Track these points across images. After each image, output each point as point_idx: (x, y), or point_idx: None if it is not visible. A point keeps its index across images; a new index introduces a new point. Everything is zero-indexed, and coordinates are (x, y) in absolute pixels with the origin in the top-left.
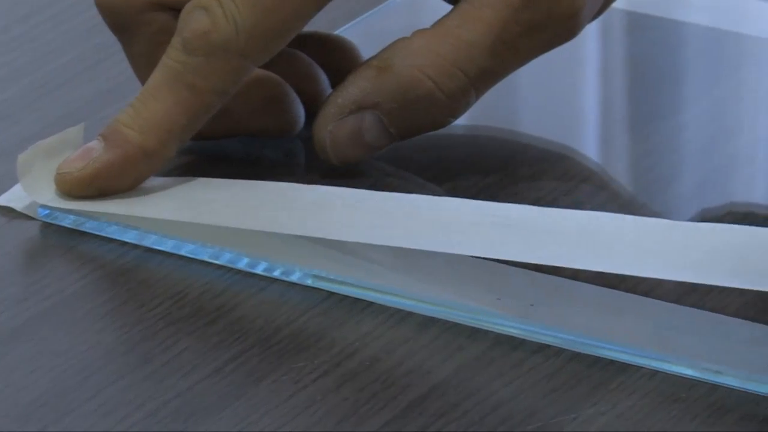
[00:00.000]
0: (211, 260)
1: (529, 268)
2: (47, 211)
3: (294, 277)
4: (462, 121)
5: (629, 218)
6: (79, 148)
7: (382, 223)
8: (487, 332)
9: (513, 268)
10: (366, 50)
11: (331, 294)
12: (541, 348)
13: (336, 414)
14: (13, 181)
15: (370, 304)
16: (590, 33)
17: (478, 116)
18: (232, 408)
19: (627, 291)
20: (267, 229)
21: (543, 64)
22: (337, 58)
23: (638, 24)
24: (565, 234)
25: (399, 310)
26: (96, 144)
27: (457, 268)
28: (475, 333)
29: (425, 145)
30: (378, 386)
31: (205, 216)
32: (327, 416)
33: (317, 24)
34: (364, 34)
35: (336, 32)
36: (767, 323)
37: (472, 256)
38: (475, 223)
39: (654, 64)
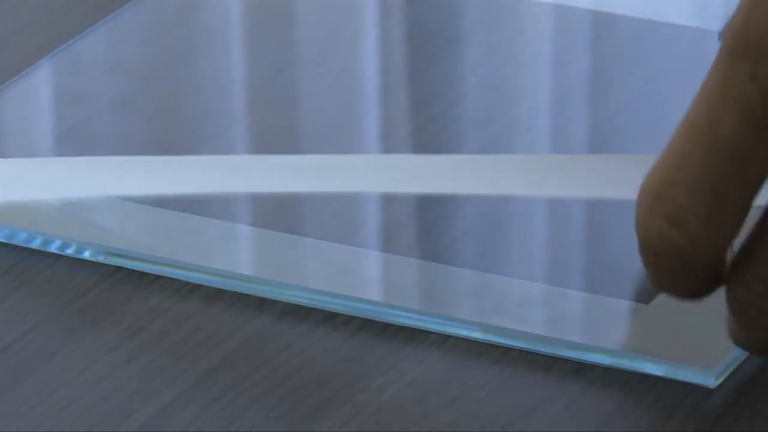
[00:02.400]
0: (5, 241)
1: (318, 239)
2: None
3: (86, 254)
4: (238, 104)
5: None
6: None
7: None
8: (275, 303)
9: (299, 237)
10: (148, 31)
11: (118, 268)
12: (330, 317)
13: (127, 388)
14: None
15: (158, 277)
16: (369, 3)
17: (255, 94)
18: (23, 385)
19: (415, 257)
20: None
21: (321, 35)
22: None
23: None
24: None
25: (186, 283)
26: None
27: (243, 240)
28: (263, 304)
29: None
30: (168, 360)
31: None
32: (118, 390)
33: (98, 3)
34: (146, 12)
35: (118, 10)
36: (556, 284)
37: (259, 228)
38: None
39: (434, 32)
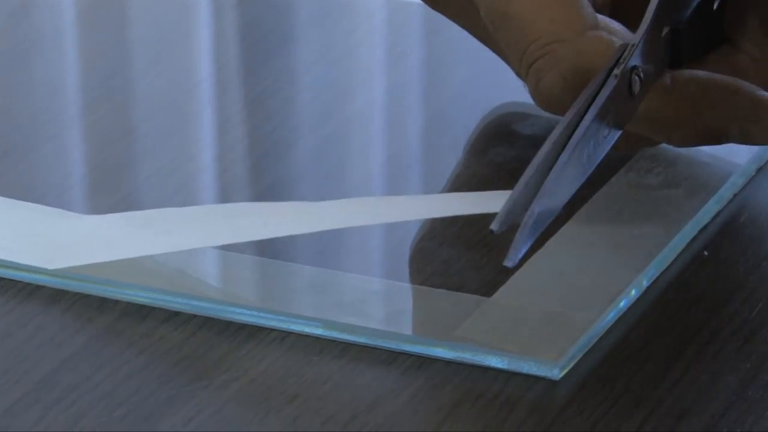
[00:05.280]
0: None
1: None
2: None
3: None
4: (73, 106)
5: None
6: None
7: None
8: (116, 302)
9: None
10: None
11: None
12: (171, 316)
13: None
14: None
15: None
16: (203, 2)
17: (91, 94)
18: None
19: (254, 255)
20: None
21: (155, 34)
22: None
23: None
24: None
25: (27, 284)
26: None
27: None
28: (104, 304)
29: None
30: (10, 361)
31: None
32: None
33: None
34: None
35: None
36: (397, 279)
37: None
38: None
39: (268, 30)
